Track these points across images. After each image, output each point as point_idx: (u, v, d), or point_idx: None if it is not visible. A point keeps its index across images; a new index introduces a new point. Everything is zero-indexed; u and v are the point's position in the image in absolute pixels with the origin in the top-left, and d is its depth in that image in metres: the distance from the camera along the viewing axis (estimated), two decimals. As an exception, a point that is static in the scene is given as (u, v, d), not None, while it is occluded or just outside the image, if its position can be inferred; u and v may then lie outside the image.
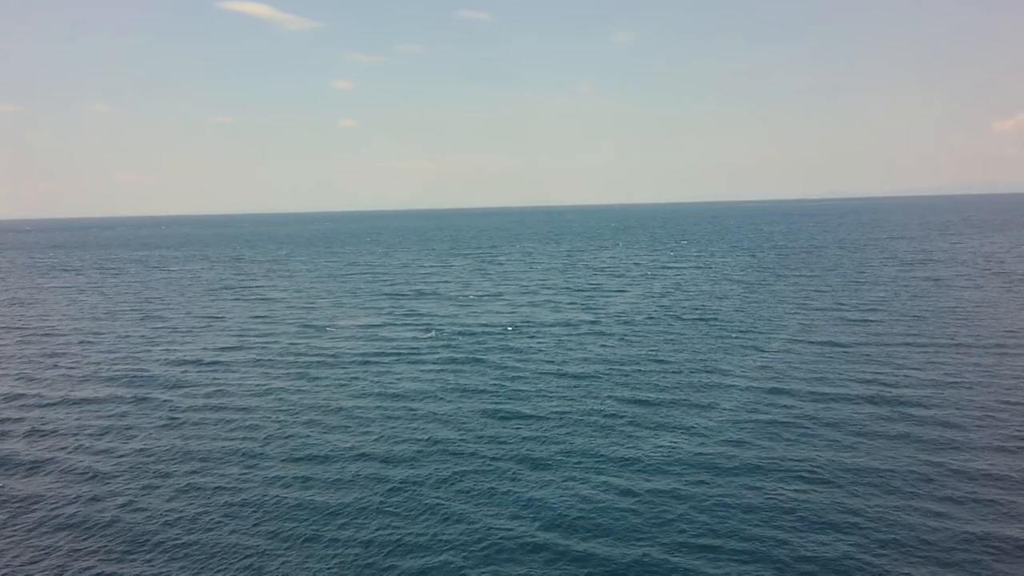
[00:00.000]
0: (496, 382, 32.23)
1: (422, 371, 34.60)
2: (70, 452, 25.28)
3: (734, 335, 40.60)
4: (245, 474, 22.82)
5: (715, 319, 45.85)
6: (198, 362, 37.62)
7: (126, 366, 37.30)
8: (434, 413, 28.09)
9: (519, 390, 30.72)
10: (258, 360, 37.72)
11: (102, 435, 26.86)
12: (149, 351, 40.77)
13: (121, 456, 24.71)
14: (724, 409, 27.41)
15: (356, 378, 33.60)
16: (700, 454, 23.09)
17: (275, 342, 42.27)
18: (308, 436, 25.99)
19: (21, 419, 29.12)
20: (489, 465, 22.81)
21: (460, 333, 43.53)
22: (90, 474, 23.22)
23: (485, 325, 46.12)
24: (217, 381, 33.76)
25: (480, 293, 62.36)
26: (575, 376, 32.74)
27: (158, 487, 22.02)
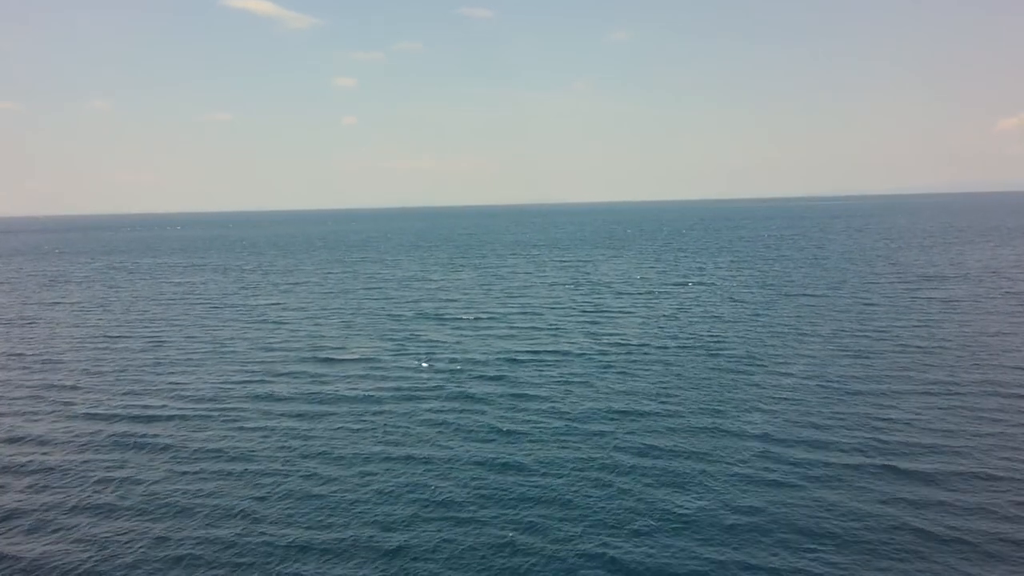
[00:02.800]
0: (496, 429, 31.83)
1: (421, 415, 34.21)
2: (40, 541, 24.89)
3: (740, 373, 40.11)
4: (227, 542, 22.46)
5: (721, 351, 45.36)
6: (196, 401, 37.28)
7: (123, 405, 36.92)
8: (431, 468, 27.70)
9: (519, 442, 30.29)
10: (255, 403, 37.29)
11: (81, 501, 26.51)
12: (149, 387, 40.39)
13: (105, 522, 24.37)
14: (728, 465, 27.00)
15: (353, 424, 33.19)
16: (704, 534, 22.67)
17: (274, 378, 41.85)
18: (299, 496, 25.65)
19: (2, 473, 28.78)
20: (484, 537, 22.41)
21: (461, 365, 43.12)
22: (70, 547, 22.87)
23: (487, 355, 45.72)
24: (212, 426, 33.43)
25: (483, 314, 61.92)
26: (578, 422, 32.32)
27: (138, 556, 21.68)
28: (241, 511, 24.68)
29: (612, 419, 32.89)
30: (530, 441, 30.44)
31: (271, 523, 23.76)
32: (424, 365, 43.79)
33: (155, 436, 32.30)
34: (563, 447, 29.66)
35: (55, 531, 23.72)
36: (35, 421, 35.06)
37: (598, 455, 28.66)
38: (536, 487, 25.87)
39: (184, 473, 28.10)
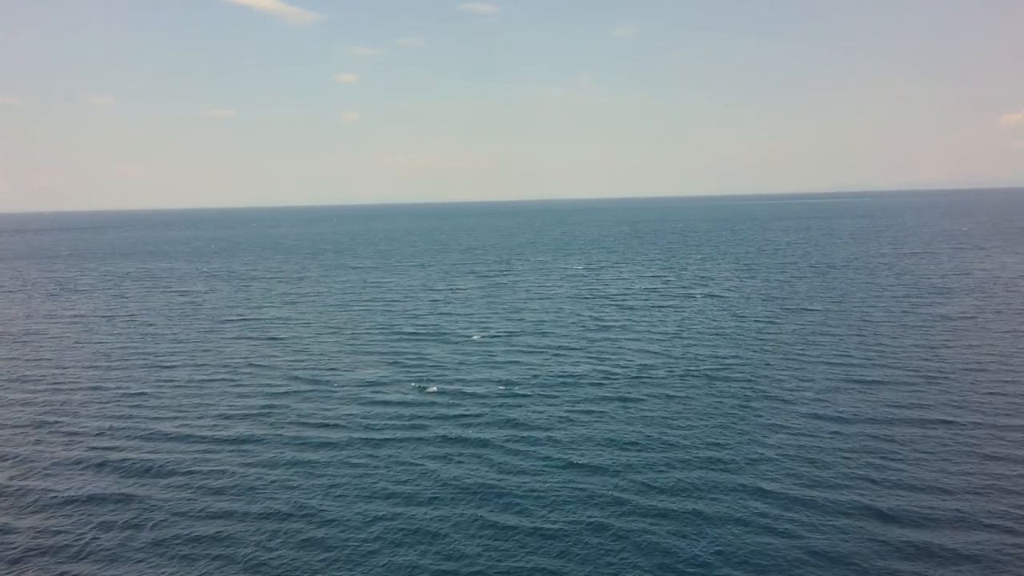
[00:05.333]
0: (495, 467, 31.76)
1: (420, 449, 34.12)
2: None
3: (741, 402, 39.84)
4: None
5: (723, 377, 45.08)
6: (194, 435, 37.15)
7: (121, 441, 36.81)
8: (425, 521, 27.26)
9: (518, 484, 30.04)
10: (254, 437, 37.03)
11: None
12: (148, 420, 40.20)
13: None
14: (726, 511, 26.78)
15: (352, 460, 33.04)
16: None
17: (275, 408, 41.59)
18: (291, 538, 25.53)
19: None
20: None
21: (460, 393, 42.85)
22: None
23: (489, 380, 45.52)
24: (208, 464, 33.28)
25: (485, 332, 61.58)
26: (577, 460, 32.17)
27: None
28: (222, 557, 24.53)
29: (612, 457, 32.62)
30: (529, 481, 30.16)
31: (253, 569, 23.58)
32: (428, 390, 43.59)
33: (143, 471, 32.23)
34: (562, 488, 29.41)
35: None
36: (36, 457, 34.94)
37: (596, 497, 28.46)
38: (532, 534, 25.66)
39: (169, 514, 27.91)
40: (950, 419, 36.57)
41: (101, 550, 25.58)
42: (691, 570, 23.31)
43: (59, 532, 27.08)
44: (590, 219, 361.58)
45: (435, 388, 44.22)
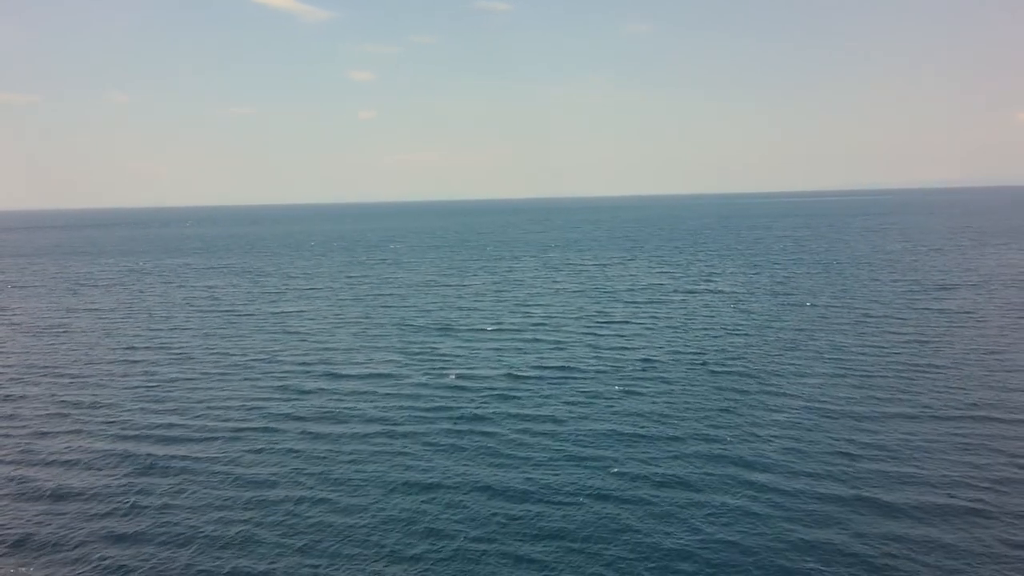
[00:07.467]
0: (500, 454, 33.30)
1: (428, 437, 35.74)
2: None
3: (740, 393, 41.24)
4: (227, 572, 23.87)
5: (723, 369, 46.38)
6: (210, 421, 38.94)
7: (138, 426, 38.58)
8: (431, 509, 28.46)
9: (521, 469, 31.62)
10: (269, 424, 38.71)
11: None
12: (165, 407, 41.99)
13: None
14: (719, 496, 28.18)
15: (362, 447, 34.70)
16: (686, 571, 23.80)
17: (288, 396, 43.44)
18: (300, 523, 27.16)
19: None
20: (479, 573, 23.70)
21: (470, 386, 44.34)
22: None
23: (496, 372, 47.15)
24: (224, 449, 35.01)
25: (496, 327, 63.12)
26: (580, 447, 33.72)
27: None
28: (243, 539, 26.26)
29: (613, 444, 34.14)
30: (532, 467, 31.72)
31: (272, 552, 25.27)
32: (440, 381, 45.17)
33: (167, 459, 33.89)
34: (564, 474, 30.90)
35: (64, 560, 25.36)
36: (52, 440, 36.84)
37: (600, 488, 29.73)
38: (535, 518, 27.20)
39: (193, 498, 29.64)
40: (946, 413, 37.56)
41: (117, 540, 26.65)
42: (687, 560, 24.34)
43: (78, 524, 28.53)
44: (601, 217, 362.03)
45: (447, 379, 45.87)
